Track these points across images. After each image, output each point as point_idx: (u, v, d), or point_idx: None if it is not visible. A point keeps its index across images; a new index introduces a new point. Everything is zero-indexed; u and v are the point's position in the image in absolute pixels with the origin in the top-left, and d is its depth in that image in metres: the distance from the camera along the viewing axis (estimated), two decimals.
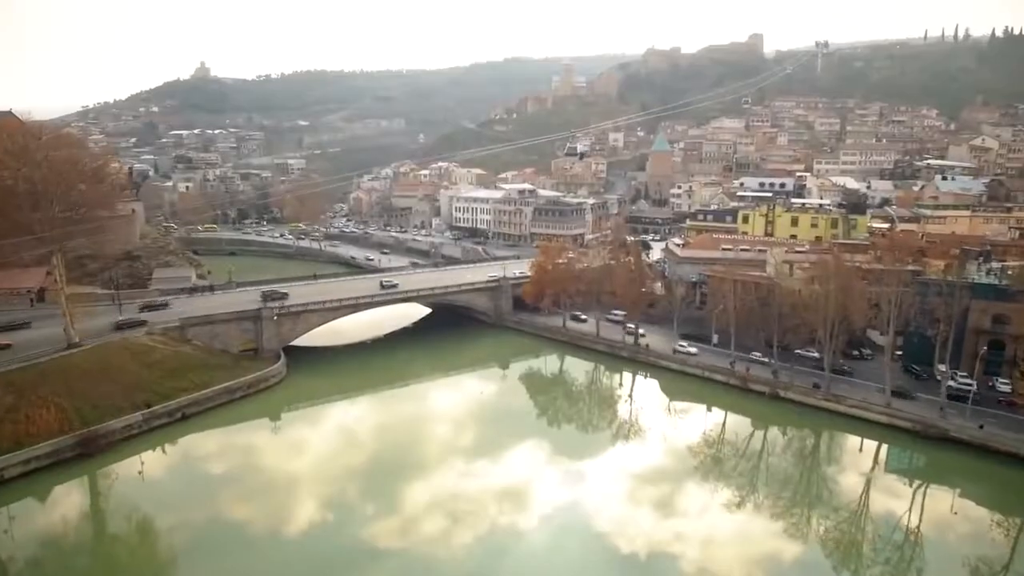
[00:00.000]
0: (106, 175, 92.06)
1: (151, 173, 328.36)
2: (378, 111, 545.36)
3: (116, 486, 74.38)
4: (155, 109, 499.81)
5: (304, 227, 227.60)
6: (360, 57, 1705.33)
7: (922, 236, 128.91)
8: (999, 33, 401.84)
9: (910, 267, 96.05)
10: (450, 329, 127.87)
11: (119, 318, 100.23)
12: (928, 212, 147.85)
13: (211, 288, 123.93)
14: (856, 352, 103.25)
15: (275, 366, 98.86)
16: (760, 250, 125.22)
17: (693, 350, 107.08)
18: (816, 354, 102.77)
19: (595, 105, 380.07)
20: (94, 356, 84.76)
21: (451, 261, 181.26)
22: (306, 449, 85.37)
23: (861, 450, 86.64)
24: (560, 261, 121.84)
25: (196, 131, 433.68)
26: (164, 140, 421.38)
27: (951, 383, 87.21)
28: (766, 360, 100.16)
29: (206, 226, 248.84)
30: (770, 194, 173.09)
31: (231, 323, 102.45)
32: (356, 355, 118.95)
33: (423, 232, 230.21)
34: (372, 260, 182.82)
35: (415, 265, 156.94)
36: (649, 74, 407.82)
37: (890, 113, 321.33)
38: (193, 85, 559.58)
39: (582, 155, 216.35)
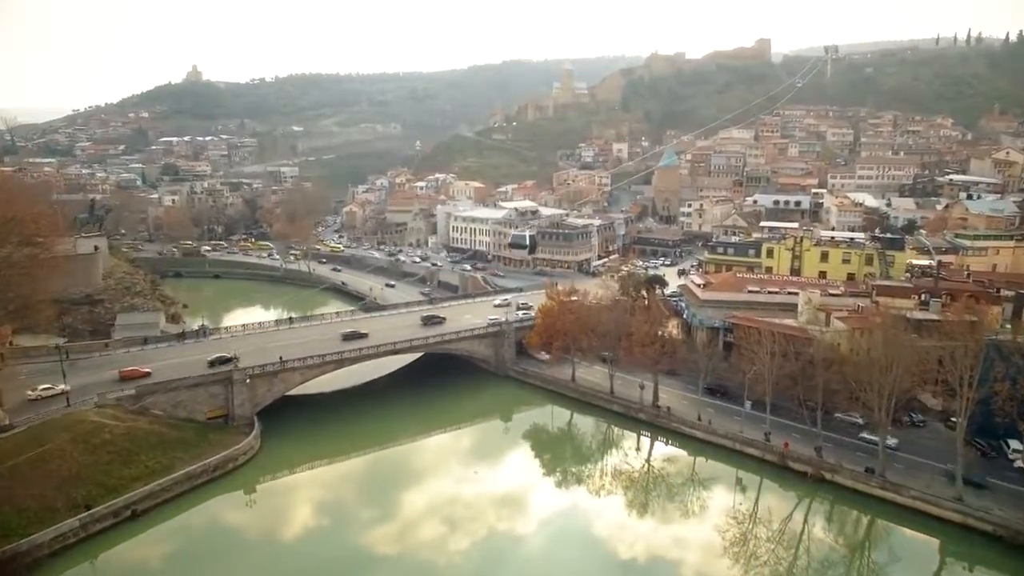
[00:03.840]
0: (35, 235, 79.18)
1: (138, 183, 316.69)
2: (374, 115, 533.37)
3: None
4: (145, 114, 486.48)
5: (294, 247, 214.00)
6: (356, 60, 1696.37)
7: (968, 275, 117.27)
8: (1012, 37, 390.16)
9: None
10: (445, 377, 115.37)
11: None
12: (968, 243, 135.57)
13: (182, 335, 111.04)
14: (907, 417, 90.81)
15: (247, 440, 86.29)
16: (790, 292, 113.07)
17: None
18: (859, 419, 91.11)
19: (597, 113, 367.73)
20: (26, 442, 71.92)
21: (448, 289, 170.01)
22: (283, 546, 73.26)
23: (924, 551, 74.32)
24: (573, 298, 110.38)
25: (186, 138, 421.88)
26: (154, 147, 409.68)
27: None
28: (806, 428, 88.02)
29: (257, 243, 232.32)
30: (794, 224, 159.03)
31: (197, 388, 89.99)
32: (340, 408, 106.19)
33: (419, 252, 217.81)
34: (366, 296, 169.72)
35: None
36: (653, 80, 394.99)
37: (904, 122, 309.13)
38: (185, 89, 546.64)
39: (533, 245, 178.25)
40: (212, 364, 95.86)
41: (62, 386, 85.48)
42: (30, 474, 68.24)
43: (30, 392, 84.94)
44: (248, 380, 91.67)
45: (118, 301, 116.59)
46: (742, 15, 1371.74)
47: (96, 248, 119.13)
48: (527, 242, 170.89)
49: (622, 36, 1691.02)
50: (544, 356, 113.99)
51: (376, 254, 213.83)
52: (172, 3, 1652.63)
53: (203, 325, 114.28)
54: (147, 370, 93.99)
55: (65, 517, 66.33)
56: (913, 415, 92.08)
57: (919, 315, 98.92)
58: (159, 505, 74.40)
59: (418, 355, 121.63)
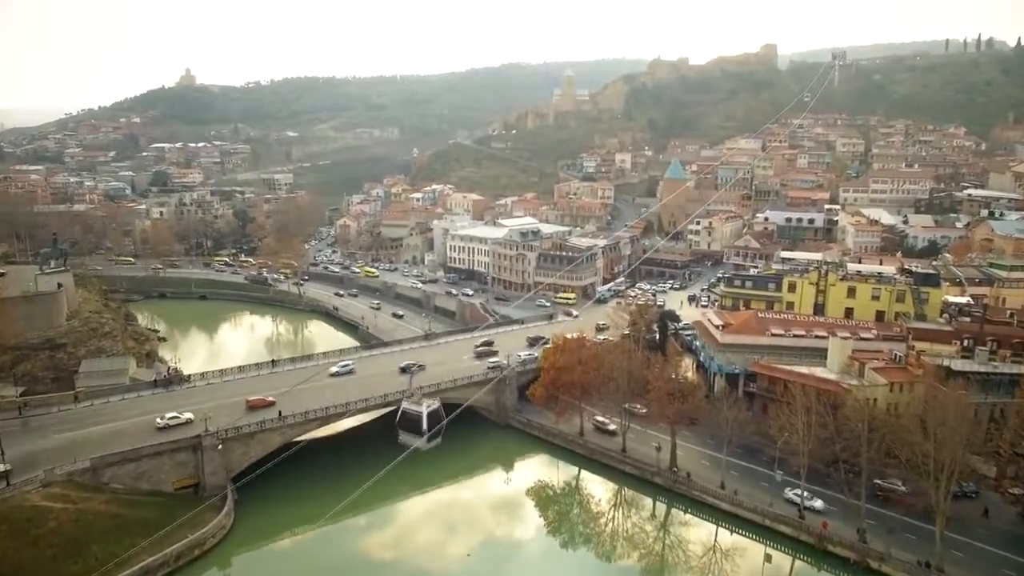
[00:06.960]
0: None
1: (127, 192, 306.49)
2: (371, 120, 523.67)
3: None
4: (136, 119, 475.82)
5: (286, 264, 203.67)
6: (352, 63, 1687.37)
7: (1012, 315, 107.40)
8: None
9: None
10: None
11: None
12: (1004, 274, 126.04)
13: (155, 384, 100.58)
14: (956, 487, 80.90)
15: (217, 518, 76.20)
16: (817, 336, 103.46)
17: None
18: (901, 486, 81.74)
19: (599, 121, 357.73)
20: None
21: (445, 316, 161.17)
22: None
23: None
24: (579, 337, 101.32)
25: (178, 145, 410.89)
26: (145, 154, 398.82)
27: None
28: (844, 497, 78.45)
29: (283, 262, 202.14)
30: (816, 255, 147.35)
31: (163, 456, 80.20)
32: (324, 460, 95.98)
33: (415, 271, 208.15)
34: (358, 324, 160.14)
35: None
36: (656, 87, 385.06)
37: (916, 132, 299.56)
38: (178, 93, 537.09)
39: (434, 427, 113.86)
40: (404, 371, 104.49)
41: (187, 414, 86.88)
42: None
43: (159, 420, 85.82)
44: (220, 445, 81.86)
45: (83, 344, 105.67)
46: (745, 17, 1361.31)
47: (59, 286, 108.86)
48: (424, 425, 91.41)
49: (622, 39, 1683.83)
50: None
51: (412, 281, 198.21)
52: (168, 5, 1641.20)
53: (176, 370, 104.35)
54: (272, 399, 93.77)
55: None
56: (963, 484, 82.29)
57: (965, 366, 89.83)
58: None
59: None
